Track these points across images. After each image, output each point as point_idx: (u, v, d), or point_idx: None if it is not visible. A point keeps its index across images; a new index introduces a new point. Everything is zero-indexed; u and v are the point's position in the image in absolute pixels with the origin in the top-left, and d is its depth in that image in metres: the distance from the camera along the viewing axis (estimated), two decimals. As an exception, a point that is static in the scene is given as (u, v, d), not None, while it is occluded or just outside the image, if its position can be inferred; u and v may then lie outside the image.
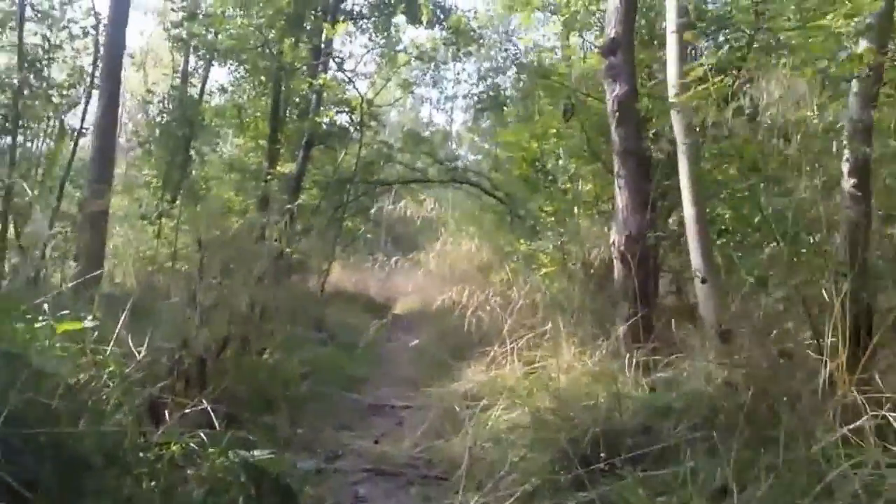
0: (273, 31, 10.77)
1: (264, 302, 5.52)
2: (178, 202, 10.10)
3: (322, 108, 12.39)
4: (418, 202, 8.60)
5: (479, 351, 5.25)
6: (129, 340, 3.14)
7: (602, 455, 2.83)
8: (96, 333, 3.15)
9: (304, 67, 11.66)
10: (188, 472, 2.79)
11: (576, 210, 6.66)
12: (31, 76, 7.42)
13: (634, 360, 3.93)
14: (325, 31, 11.06)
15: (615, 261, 4.83)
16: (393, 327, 11.32)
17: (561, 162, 6.85)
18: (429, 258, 18.65)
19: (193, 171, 12.35)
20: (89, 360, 2.99)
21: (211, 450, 2.87)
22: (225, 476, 2.74)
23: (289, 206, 13.29)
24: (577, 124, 6.01)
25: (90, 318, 3.07)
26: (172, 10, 8.89)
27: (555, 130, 6.62)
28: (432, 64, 19.46)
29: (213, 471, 2.74)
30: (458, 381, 4.81)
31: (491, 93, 20.95)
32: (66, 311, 3.19)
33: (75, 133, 8.30)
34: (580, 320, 4.95)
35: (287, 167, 13.48)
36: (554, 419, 3.29)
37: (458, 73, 24.70)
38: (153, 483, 2.62)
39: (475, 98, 22.11)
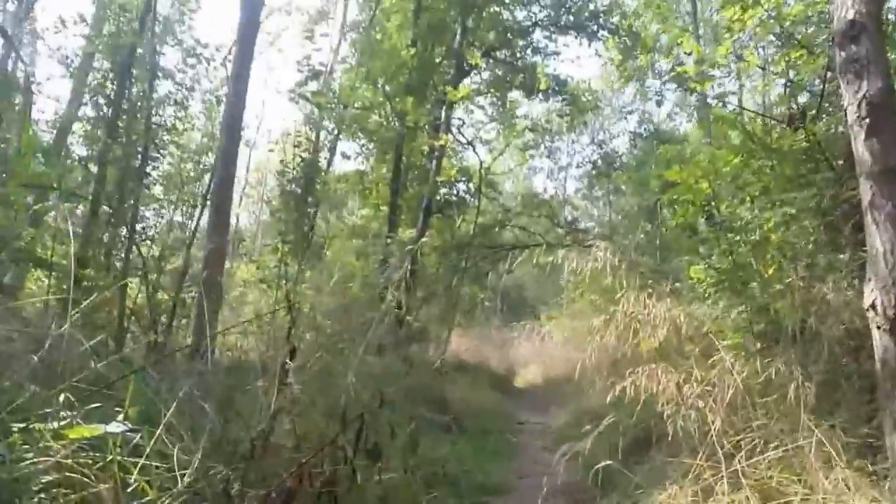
0: (397, 99, 10.10)
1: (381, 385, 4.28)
2: (300, 266, 9.35)
3: (442, 170, 11.47)
4: (584, 247, 7.05)
5: (661, 457, 3.57)
6: (175, 454, 1.89)
7: None
8: (138, 438, 1.97)
9: (425, 129, 10.87)
10: None
11: (754, 264, 4.87)
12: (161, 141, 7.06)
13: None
14: (447, 94, 10.25)
15: (876, 332, 3.05)
16: (520, 404, 9.66)
17: (738, 204, 5.14)
18: (551, 324, 16.97)
19: (317, 236, 11.74)
20: (111, 487, 1.79)
21: None
22: None
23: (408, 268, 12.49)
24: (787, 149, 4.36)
25: (121, 417, 1.89)
26: (299, 71, 8.38)
27: (729, 167, 4.96)
28: (546, 135, 18.54)
29: None
30: (651, 509, 3.09)
31: (606, 158, 19.65)
32: (98, 405, 2.05)
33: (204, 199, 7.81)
34: (815, 420, 3.14)
35: (407, 233, 12.66)
36: None
37: (573, 143, 23.45)
38: None
39: (590, 164, 20.84)
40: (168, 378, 2.90)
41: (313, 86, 8.71)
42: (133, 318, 7.80)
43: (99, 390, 2.10)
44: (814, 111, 4.52)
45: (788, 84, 5.16)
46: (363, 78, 11.18)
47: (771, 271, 4.71)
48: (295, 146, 7.37)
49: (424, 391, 6.50)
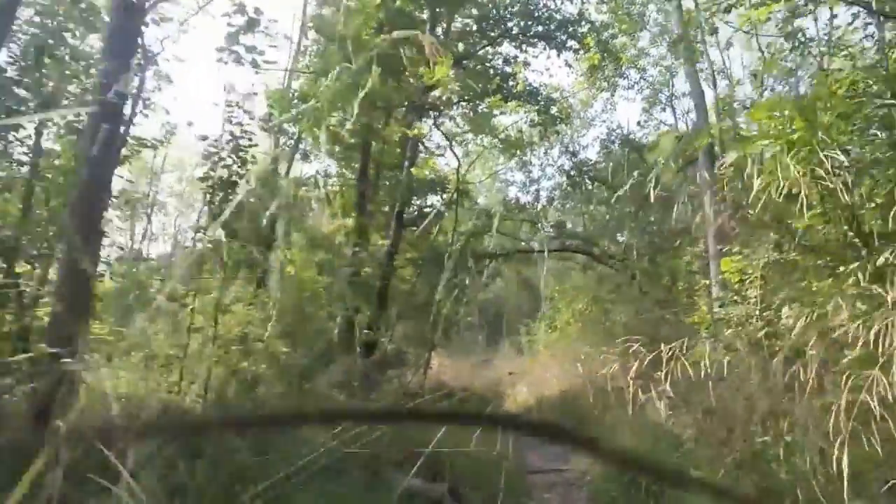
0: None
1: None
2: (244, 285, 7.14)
3: (418, 165, 9.46)
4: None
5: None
6: None
7: None
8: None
9: (397, 117, 8.88)
10: None
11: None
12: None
13: None
14: (422, 78, 8.31)
15: None
16: (521, 438, 7.51)
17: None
18: (536, 339, 15.03)
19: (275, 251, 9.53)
20: None
21: None
22: None
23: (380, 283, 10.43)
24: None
25: None
26: (229, 25, 6.18)
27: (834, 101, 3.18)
28: (519, 146, 16.94)
29: None
30: None
31: (579, 166, 18.32)
32: None
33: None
34: None
35: (378, 242, 10.65)
36: None
37: (545, 154, 21.89)
38: None
39: (563, 174, 19.33)
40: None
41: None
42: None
43: None
44: None
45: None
46: (325, 58, 9.13)
47: None
48: (228, 119, 5.24)
49: (405, 440, 4.37)
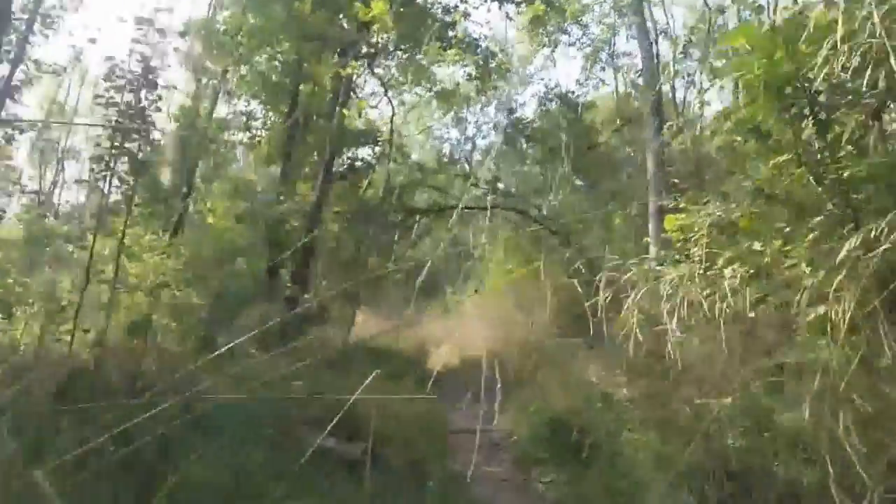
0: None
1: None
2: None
3: (349, 111, 8.91)
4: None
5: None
6: None
7: None
8: None
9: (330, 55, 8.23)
10: None
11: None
12: None
13: None
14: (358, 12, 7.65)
15: None
16: (443, 397, 7.40)
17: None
18: (465, 299, 15.02)
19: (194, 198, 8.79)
20: None
21: None
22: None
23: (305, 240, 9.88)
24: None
25: None
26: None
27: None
28: (455, 99, 16.50)
29: None
30: None
31: (516, 123, 18.06)
32: None
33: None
34: None
35: (305, 193, 10.03)
36: None
37: (481, 110, 21.59)
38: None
39: (499, 131, 19.12)
40: None
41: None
42: None
43: None
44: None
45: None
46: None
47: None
48: (138, 40, 4.48)
49: (325, 400, 4.11)
